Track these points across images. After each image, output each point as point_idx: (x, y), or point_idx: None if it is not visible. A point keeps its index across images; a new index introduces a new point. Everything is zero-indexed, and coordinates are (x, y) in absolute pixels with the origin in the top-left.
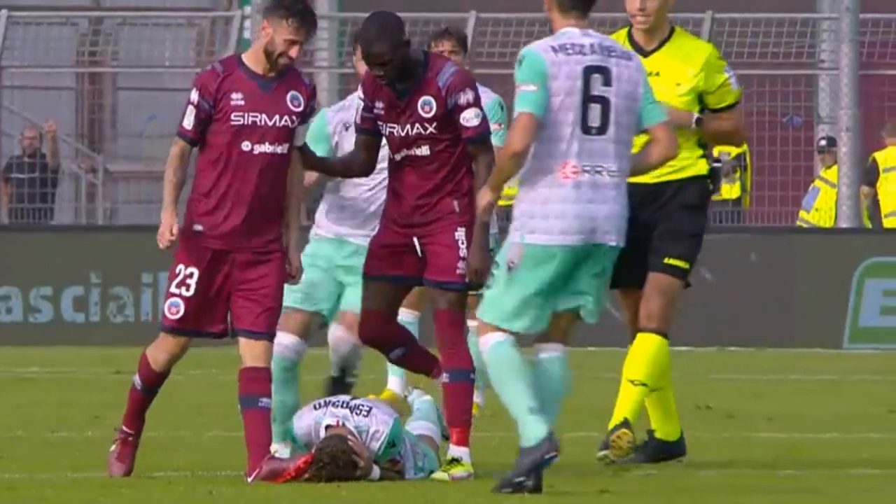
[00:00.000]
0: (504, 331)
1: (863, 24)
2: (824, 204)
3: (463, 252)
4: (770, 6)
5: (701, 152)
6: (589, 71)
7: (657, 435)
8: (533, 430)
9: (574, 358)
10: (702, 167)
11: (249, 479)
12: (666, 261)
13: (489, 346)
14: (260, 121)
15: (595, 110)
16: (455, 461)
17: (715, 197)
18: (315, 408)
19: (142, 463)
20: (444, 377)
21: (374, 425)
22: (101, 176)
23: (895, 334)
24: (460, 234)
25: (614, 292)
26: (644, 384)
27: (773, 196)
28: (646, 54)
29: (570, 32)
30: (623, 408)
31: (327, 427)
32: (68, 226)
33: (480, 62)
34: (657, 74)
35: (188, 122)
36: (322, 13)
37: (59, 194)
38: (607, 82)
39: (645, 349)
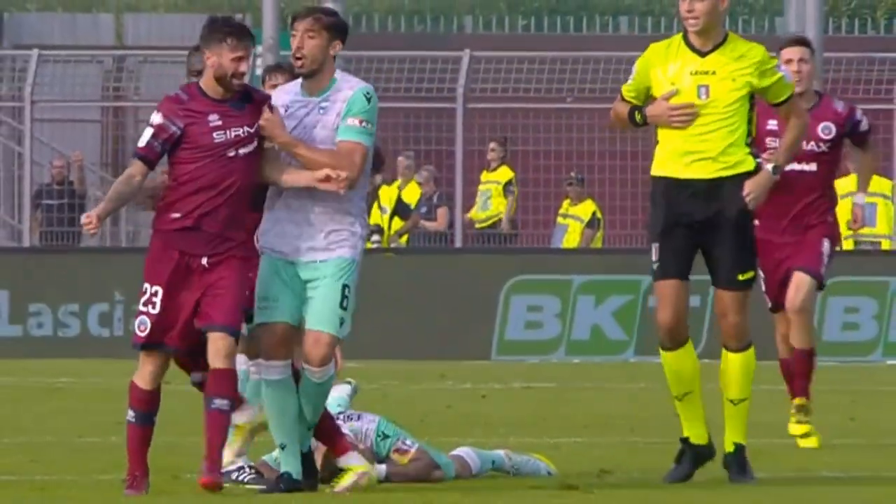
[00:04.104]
0: None
1: (826, 62)
2: None
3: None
4: None
5: (748, 150)
6: None
7: (692, 440)
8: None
9: (561, 370)
10: (750, 163)
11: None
12: (739, 278)
13: (331, 373)
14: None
15: None
16: None
17: None
18: None
19: (162, 466)
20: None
21: (365, 424)
22: None
23: (856, 348)
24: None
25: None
26: (744, 399)
27: None
28: (703, 55)
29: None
30: (734, 431)
31: None
32: (94, 248)
33: (474, 97)
34: (713, 73)
35: None
36: None
37: None
38: None
39: (735, 367)
